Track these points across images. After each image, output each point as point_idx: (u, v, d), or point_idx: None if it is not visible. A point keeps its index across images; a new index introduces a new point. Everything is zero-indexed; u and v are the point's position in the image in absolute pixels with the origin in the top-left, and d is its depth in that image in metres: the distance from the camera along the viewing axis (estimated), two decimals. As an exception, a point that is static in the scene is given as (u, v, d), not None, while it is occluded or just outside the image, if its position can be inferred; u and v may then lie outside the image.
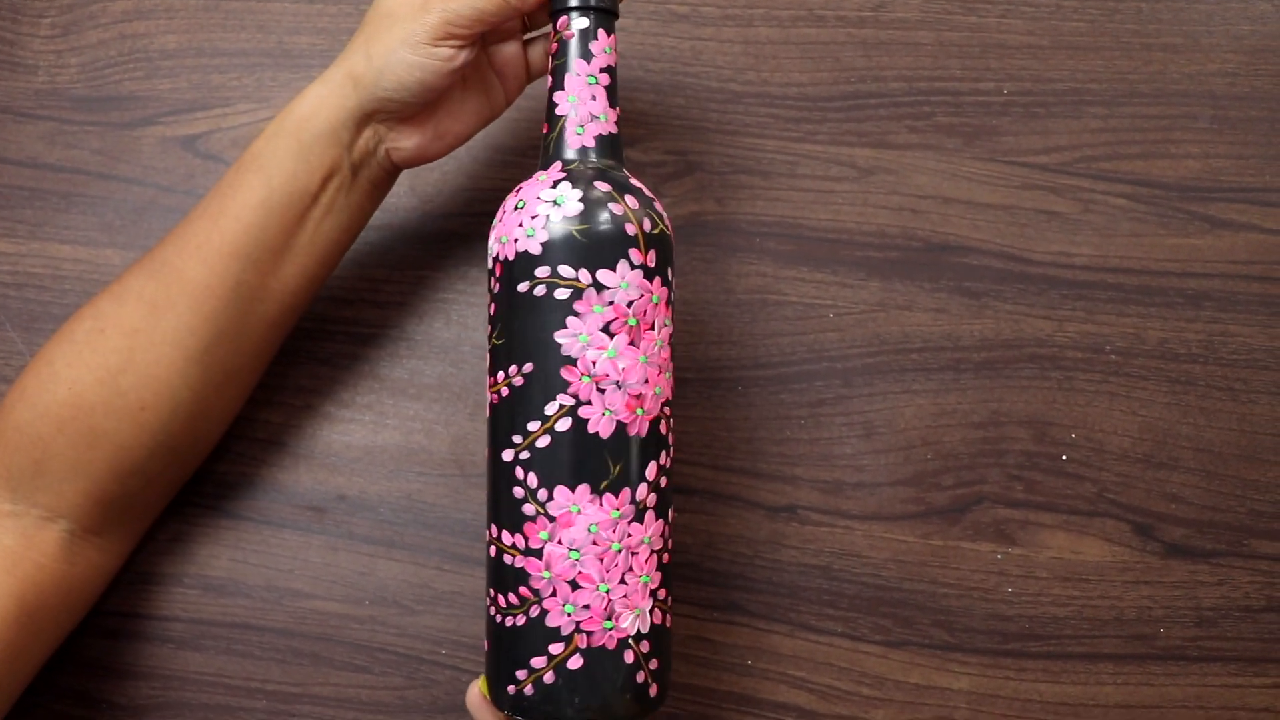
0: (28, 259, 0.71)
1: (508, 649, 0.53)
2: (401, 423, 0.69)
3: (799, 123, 0.70)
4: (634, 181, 0.56)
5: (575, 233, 0.53)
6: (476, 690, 0.56)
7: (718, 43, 0.71)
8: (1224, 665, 0.66)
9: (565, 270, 0.53)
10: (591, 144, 0.56)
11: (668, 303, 0.55)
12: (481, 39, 0.61)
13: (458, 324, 0.70)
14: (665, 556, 0.55)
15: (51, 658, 0.65)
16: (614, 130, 0.57)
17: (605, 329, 0.53)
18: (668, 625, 0.55)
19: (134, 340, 0.58)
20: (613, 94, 0.57)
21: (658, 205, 0.56)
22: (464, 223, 0.71)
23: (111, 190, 0.72)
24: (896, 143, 0.70)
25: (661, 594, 0.55)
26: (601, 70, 0.57)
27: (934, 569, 0.67)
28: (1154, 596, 0.66)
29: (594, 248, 0.53)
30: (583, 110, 0.57)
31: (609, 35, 0.57)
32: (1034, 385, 0.68)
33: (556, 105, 0.57)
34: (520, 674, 0.53)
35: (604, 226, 0.53)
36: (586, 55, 0.57)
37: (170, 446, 0.61)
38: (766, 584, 0.67)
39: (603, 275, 0.53)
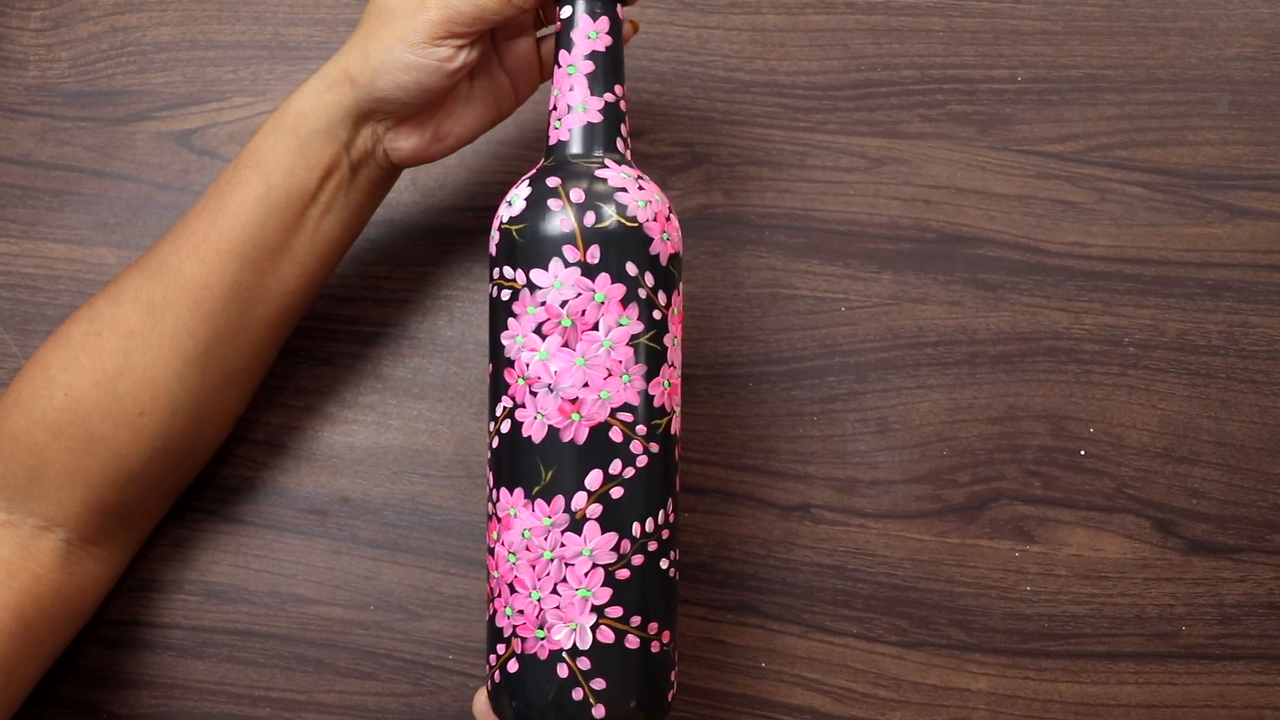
0: (20, 259, 0.70)
1: (489, 641, 0.55)
2: (405, 423, 0.68)
3: (809, 112, 0.69)
4: (608, 170, 0.54)
5: (515, 233, 0.53)
6: (484, 698, 0.55)
7: (725, 31, 0.70)
8: (1248, 663, 0.65)
9: (507, 271, 0.53)
10: (567, 137, 0.55)
11: (624, 301, 0.52)
12: (491, 35, 0.59)
13: (461, 321, 0.68)
14: (624, 573, 0.52)
15: (51, 668, 0.64)
16: (595, 119, 0.55)
17: (538, 330, 0.52)
18: (628, 645, 0.52)
19: (131, 343, 0.57)
20: (598, 81, 0.55)
21: (632, 194, 0.53)
22: (467, 218, 0.69)
23: (105, 187, 0.70)
24: (909, 132, 0.69)
25: (615, 611, 0.52)
26: (585, 58, 0.55)
27: (951, 567, 0.66)
28: (1175, 594, 0.65)
29: (528, 247, 0.53)
30: (561, 102, 0.56)
31: (596, 20, 0.55)
32: (1051, 379, 0.67)
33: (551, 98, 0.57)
34: (487, 668, 0.55)
35: (539, 224, 0.52)
36: (568, 44, 0.55)
37: (169, 451, 0.59)
38: (780, 584, 0.66)
39: (535, 275, 0.52)
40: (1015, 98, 0.69)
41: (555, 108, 0.56)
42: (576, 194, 0.52)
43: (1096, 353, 0.67)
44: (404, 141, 0.59)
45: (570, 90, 0.55)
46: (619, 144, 0.55)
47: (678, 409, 0.55)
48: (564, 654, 0.52)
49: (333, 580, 0.67)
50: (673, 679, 0.55)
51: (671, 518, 0.54)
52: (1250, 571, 0.65)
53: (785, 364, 0.67)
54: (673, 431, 0.54)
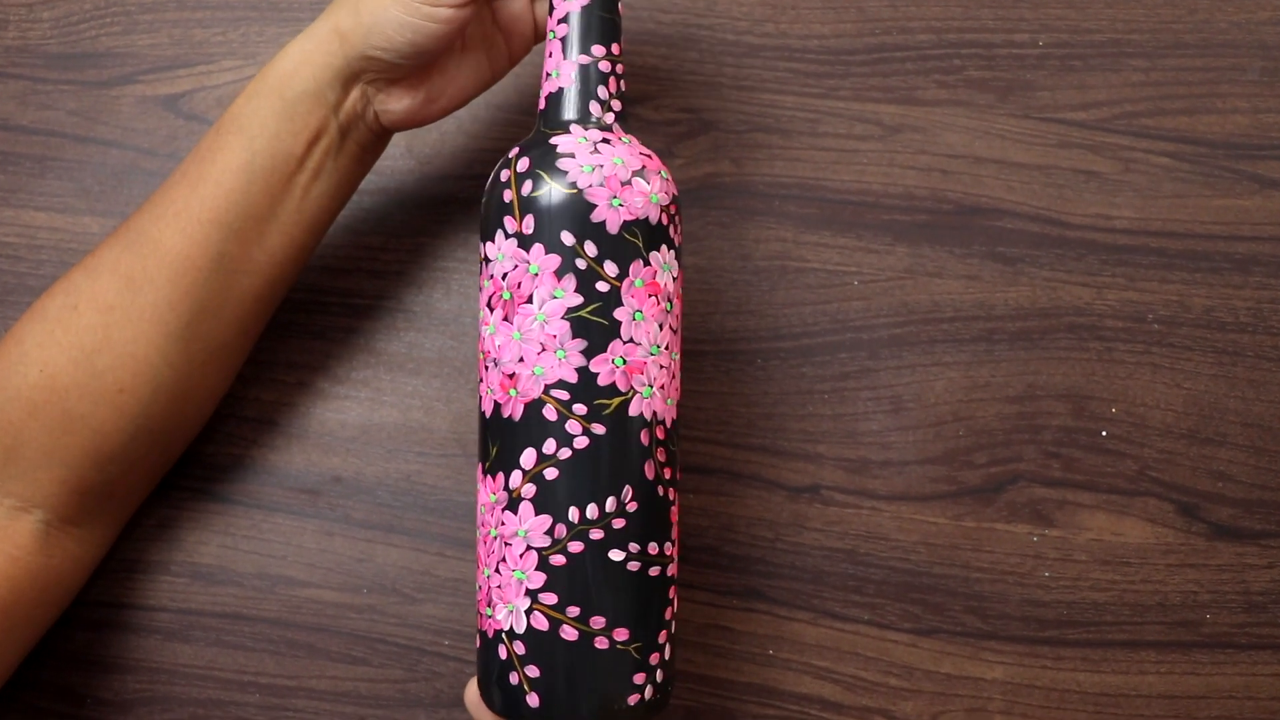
0: (0, 228, 0.67)
1: None
2: (399, 400, 0.66)
3: (820, 78, 0.66)
4: (566, 136, 0.52)
5: (482, 204, 0.53)
6: (475, 689, 0.53)
7: (733, -8, 0.67)
8: (1274, 653, 0.62)
9: (479, 245, 0.53)
10: (544, 104, 0.54)
11: (558, 272, 0.50)
12: None
13: (458, 294, 0.66)
14: (559, 559, 0.50)
15: (32, 651, 0.62)
16: (567, 84, 0.53)
17: (489, 303, 0.52)
18: (564, 636, 0.50)
19: (110, 317, 0.55)
20: (574, 44, 0.53)
21: (580, 159, 0.51)
22: (464, 186, 0.67)
23: (89, 154, 0.68)
24: (925, 99, 0.66)
25: (549, 598, 0.50)
26: (560, 21, 0.53)
27: (966, 552, 0.63)
28: (1199, 580, 0.63)
29: (486, 219, 0.52)
30: (544, 68, 0.54)
31: None
32: (1072, 357, 0.64)
33: None
34: None
35: (491, 196, 0.52)
36: (550, 7, 0.54)
37: (151, 430, 0.57)
38: (788, 568, 0.64)
39: (487, 247, 0.52)
40: (1036, 63, 0.66)
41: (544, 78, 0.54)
42: (523, 163, 0.51)
43: (1119, 329, 0.64)
44: (395, 103, 0.56)
45: (549, 56, 0.54)
46: (593, 107, 0.53)
47: (651, 389, 0.51)
48: (503, 635, 0.51)
49: (324, 562, 0.65)
50: (637, 681, 0.50)
51: (632, 507, 0.50)
52: (1278, 558, 0.63)
53: (795, 340, 0.65)
54: (635, 413, 0.50)
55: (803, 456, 0.64)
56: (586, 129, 0.52)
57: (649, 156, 0.53)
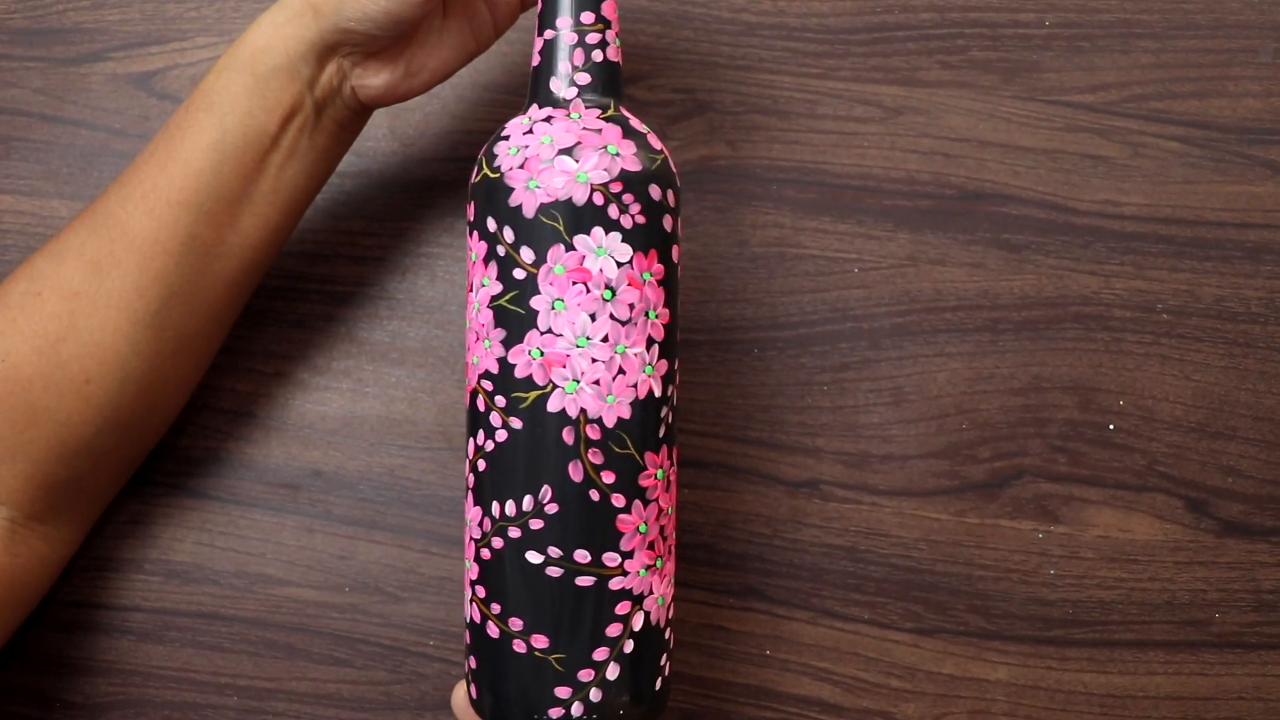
0: (-36, 211, 0.65)
1: None
2: (382, 390, 0.63)
3: (820, 57, 0.64)
4: (516, 118, 0.50)
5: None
6: (462, 692, 0.51)
7: (729, -32, 0.65)
8: (1286, 653, 0.61)
9: None
10: (528, 85, 0.53)
11: (485, 259, 0.49)
12: None
13: (443, 280, 0.64)
14: (486, 553, 0.48)
15: (-3, 653, 0.60)
16: (535, 61, 0.51)
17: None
18: (489, 633, 0.48)
19: (75, 304, 0.52)
20: (543, 18, 0.51)
21: (513, 140, 0.49)
22: (449, 169, 0.65)
23: (57, 134, 0.65)
24: (927, 80, 0.64)
25: (481, 590, 0.48)
26: None
27: (969, 549, 0.61)
28: (1209, 578, 0.61)
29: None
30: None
31: None
32: (1079, 348, 0.62)
33: None
34: None
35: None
36: None
37: (120, 422, 0.54)
38: (786, 566, 0.62)
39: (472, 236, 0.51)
40: (1043, 44, 0.64)
41: None
42: (487, 147, 0.50)
43: (1128, 320, 0.62)
44: (373, 78, 0.54)
45: (536, 33, 0.52)
46: (553, 84, 0.51)
47: (576, 384, 0.47)
48: (464, 622, 0.51)
49: (304, 560, 0.62)
50: (559, 694, 0.47)
51: (552, 509, 0.47)
52: (1290, 555, 0.61)
53: (793, 329, 0.63)
54: (556, 409, 0.47)
55: (801, 450, 0.62)
56: (542, 108, 0.50)
57: (596, 131, 0.49)
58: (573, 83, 0.51)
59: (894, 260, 0.63)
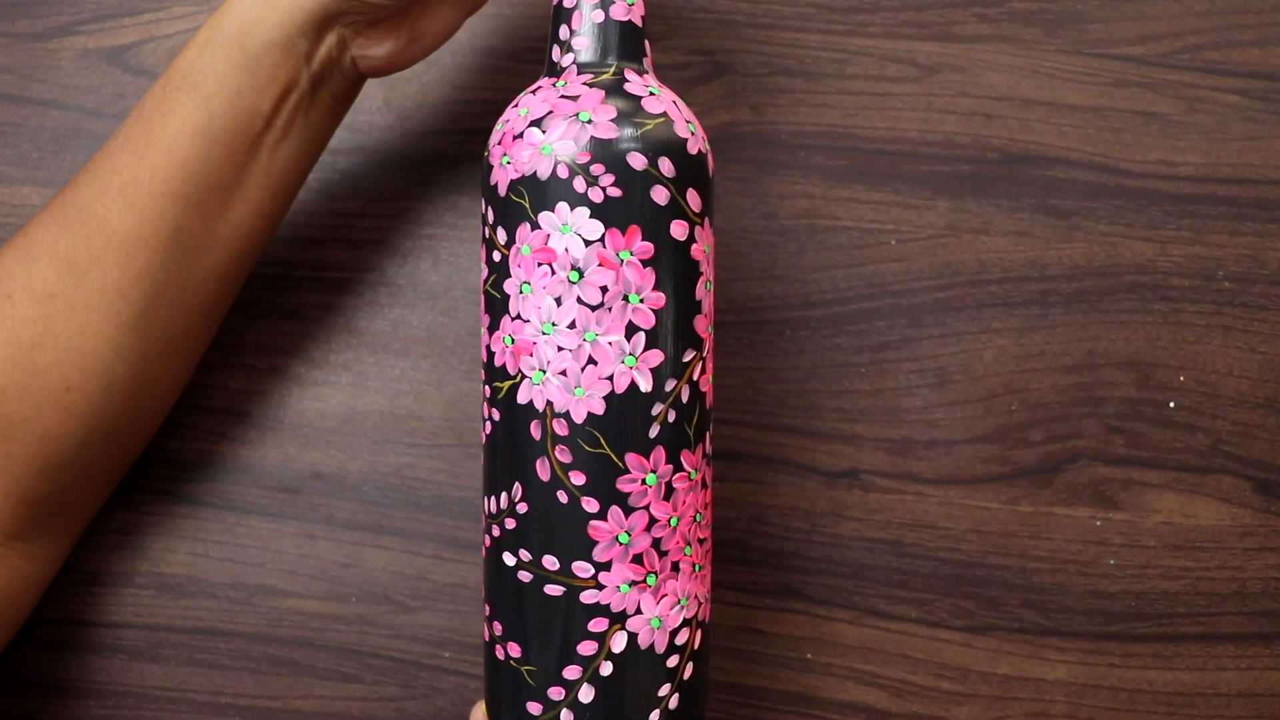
0: (-73, 201, 0.60)
1: None
2: (385, 384, 0.60)
3: (848, 13, 0.60)
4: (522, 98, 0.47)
5: None
6: (482, 711, 0.48)
7: (748, -82, 0.60)
8: (1365, 643, 0.57)
9: None
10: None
11: (481, 242, 0.47)
12: None
13: (448, 264, 0.60)
14: (482, 550, 0.47)
15: (-21, 679, 0.56)
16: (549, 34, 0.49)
17: None
18: (486, 638, 0.47)
19: (50, 307, 0.48)
20: None
21: (503, 116, 0.47)
22: (450, 143, 0.60)
23: (25, 115, 0.61)
24: (964, 35, 0.60)
25: (482, 592, 0.48)
26: None
27: (1022, 540, 0.58)
28: (1280, 564, 0.58)
29: None
30: None
31: None
32: (1134, 320, 0.59)
33: None
34: None
35: None
36: None
37: (105, 431, 0.50)
38: (826, 563, 0.58)
39: None
40: (1088, -9, 0.60)
41: None
42: None
43: (1186, 289, 0.59)
44: (376, 47, 0.50)
45: None
46: (554, 53, 0.47)
47: (543, 374, 0.44)
48: None
49: (306, 569, 0.59)
50: (531, 710, 0.45)
51: (522, 509, 0.45)
52: (1366, 537, 0.58)
53: (827, 307, 0.59)
54: (525, 401, 0.44)
55: (839, 438, 0.58)
56: (546, 77, 0.47)
57: (573, 99, 0.45)
58: (569, 48, 0.47)
59: (933, 230, 0.59)
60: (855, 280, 0.59)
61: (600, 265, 0.43)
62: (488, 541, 0.46)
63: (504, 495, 0.45)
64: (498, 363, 0.45)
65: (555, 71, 0.47)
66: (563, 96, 0.45)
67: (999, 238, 0.59)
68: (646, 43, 0.48)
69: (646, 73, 0.47)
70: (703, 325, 0.46)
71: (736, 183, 0.59)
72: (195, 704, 0.58)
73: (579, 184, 0.44)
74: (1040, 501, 0.58)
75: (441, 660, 0.58)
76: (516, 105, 0.46)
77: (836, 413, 0.58)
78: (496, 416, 0.45)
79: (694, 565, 0.46)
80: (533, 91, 0.46)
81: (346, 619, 0.58)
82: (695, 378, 0.45)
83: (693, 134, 0.46)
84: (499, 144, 0.45)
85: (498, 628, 0.46)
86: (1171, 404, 0.58)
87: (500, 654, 0.46)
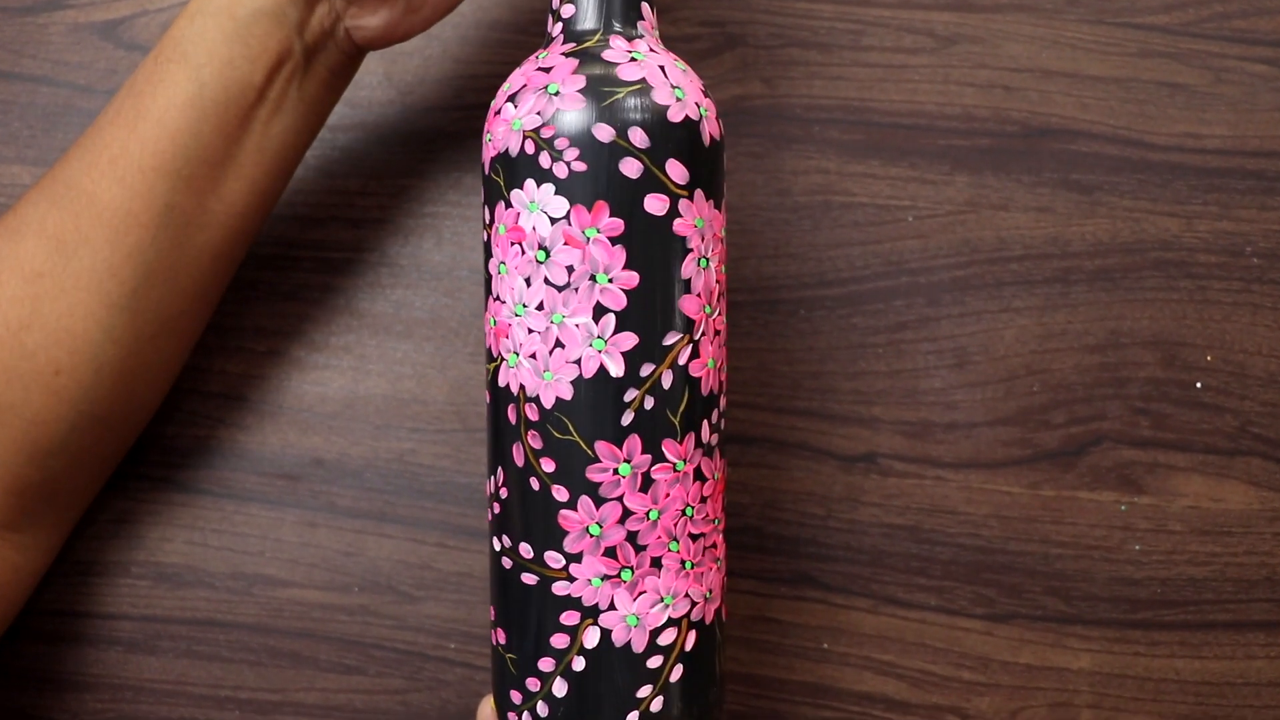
0: (-86, 181, 0.59)
1: None
2: (387, 367, 0.58)
3: (863, -18, 0.58)
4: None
5: None
6: (489, 708, 0.46)
7: (760, -116, 0.58)
8: (1399, 630, 0.56)
9: None
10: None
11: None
12: None
13: (451, 243, 0.58)
14: None
15: (-29, 673, 0.54)
16: None
17: None
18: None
19: (39, 287, 0.46)
20: None
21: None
22: (453, 118, 0.59)
23: (15, 92, 0.59)
24: (983, 4, 0.58)
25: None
26: None
27: (1045, 525, 0.56)
28: (1310, 549, 0.56)
29: None
30: None
31: None
32: (1160, 298, 0.57)
33: None
34: None
35: None
36: None
37: (97, 416, 0.49)
38: (843, 550, 0.56)
39: None
40: (1112, -41, 0.58)
41: None
42: None
43: (1213, 265, 0.57)
44: (370, 17, 0.48)
45: None
46: (549, 23, 0.46)
47: (516, 356, 0.43)
48: None
49: (307, 558, 0.57)
50: (513, 699, 0.44)
51: (504, 494, 0.44)
52: (1400, 521, 0.56)
53: (842, 286, 0.57)
54: (503, 384, 0.43)
55: (855, 420, 0.57)
56: (538, 51, 0.46)
57: (546, 71, 0.43)
58: (558, 17, 0.45)
59: (952, 206, 0.57)
60: (871, 258, 0.57)
61: (566, 244, 0.42)
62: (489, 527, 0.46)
63: (492, 480, 0.45)
64: (487, 344, 0.45)
65: (549, 43, 0.45)
66: (539, 69, 0.43)
67: (1019, 214, 0.57)
68: (646, 7, 0.46)
69: (640, 37, 0.45)
70: (694, 306, 0.43)
71: (748, 158, 0.57)
72: (194, 697, 0.57)
73: (544, 159, 0.42)
74: (1063, 485, 0.56)
75: (447, 651, 0.56)
76: (508, 80, 0.45)
77: (853, 395, 0.57)
78: (487, 399, 0.45)
79: (683, 562, 0.43)
80: (537, 58, 0.45)
81: (349, 609, 0.57)
82: (683, 362, 0.43)
83: (678, 100, 0.43)
84: (488, 121, 0.45)
85: (492, 612, 0.46)
86: (1198, 384, 0.57)
87: (493, 639, 0.46)
